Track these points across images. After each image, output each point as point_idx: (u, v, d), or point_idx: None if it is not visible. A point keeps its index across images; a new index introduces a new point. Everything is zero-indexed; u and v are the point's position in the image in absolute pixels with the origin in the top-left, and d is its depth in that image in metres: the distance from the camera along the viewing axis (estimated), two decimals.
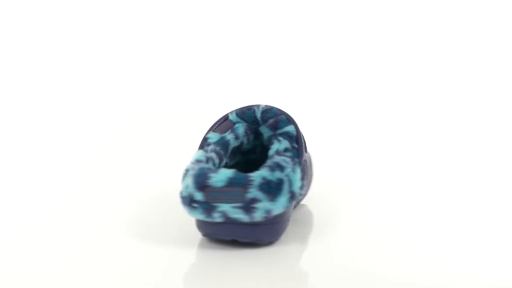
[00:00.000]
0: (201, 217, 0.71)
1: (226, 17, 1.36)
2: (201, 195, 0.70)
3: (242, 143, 0.80)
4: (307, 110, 1.26)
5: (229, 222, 0.70)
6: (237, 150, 0.81)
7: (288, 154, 0.75)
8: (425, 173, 1.01)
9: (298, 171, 0.73)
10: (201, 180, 0.70)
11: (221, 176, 0.69)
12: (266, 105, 0.80)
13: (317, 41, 1.37)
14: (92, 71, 1.34)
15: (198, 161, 0.73)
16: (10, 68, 1.33)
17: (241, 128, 0.79)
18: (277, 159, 0.73)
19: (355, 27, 1.37)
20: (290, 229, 0.77)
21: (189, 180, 0.70)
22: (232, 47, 1.36)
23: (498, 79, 1.34)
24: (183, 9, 1.35)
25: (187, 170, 0.72)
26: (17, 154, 1.12)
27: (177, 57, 1.35)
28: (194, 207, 0.70)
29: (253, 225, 0.71)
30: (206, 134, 0.79)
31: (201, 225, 0.73)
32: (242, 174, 0.70)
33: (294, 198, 0.73)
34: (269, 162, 0.73)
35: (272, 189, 0.70)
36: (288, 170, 0.72)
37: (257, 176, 0.70)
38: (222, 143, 0.78)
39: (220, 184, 0.69)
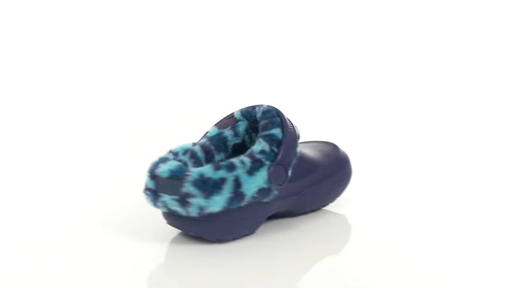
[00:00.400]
0: (150, 204, 0.74)
1: (229, 17, 1.36)
2: (152, 183, 0.73)
3: (244, 141, 0.81)
4: (306, 109, 1.26)
5: (171, 213, 0.73)
6: (240, 148, 0.81)
7: (261, 156, 0.75)
8: (424, 173, 1.02)
9: (260, 174, 0.74)
10: (152, 169, 0.73)
11: (166, 167, 0.72)
12: (268, 106, 0.80)
13: (325, 41, 1.37)
14: (96, 71, 1.34)
15: (172, 151, 0.76)
16: (10, 69, 1.33)
17: (242, 126, 0.80)
18: (235, 159, 0.74)
19: (358, 28, 1.37)
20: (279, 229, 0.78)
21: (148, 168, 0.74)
22: (236, 47, 1.36)
23: (498, 79, 1.34)
24: (188, 11, 1.35)
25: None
26: (17, 153, 1.12)
27: (179, 57, 1.35)
28: (147, 194, 0.74)
29: (194, 219, 0.72)
30: (210, 128, 0.81)
31: (163, 214, 0.76)
32: (183, 168, 0.72)
33: (242, 199, 0.73)
34: (225, 161, 0.74)
35: (208, 186, 0.71)
36: (239, 171, 0.73)
37: (195, 172, 0.71)
38: (218, 139, 0.79)
39: (164, 175, 0.72)
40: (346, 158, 0.86)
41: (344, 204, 0.87)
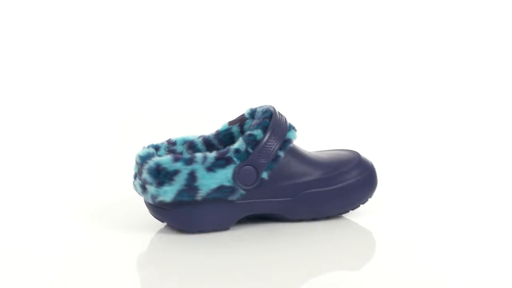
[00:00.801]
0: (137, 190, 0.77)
1: (230, 18, 1.36)
2: (136, 167, 0.76)
3: None
4: (306, 109, 1.26)
5: (143, 198, 0.77)
6: None
7: (233, 154, 0.75)
8: (424, 173, 1.02)
9: (223, 172, 0.74)
10: (139, 157, 0.76)
11: (140, 152, 0.75)
12: (269, 107, 0.79)
13: (319, 42, 1.37)
14: (97, 72, 1.34)
15: (170, 140, 0.79)
16: (11, 69, 1.32)
17: (248, 124, 0.81)
18: (200, 153, 0.75)
19: (359, 28, 1.37)
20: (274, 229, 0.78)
21: None
22: (237, 48, 1.36)
23: (498, 79, 1.34)
24: (191, 12, 1.35)
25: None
26: (17, 153, 1.12)
27: (180, 57, 1.35)
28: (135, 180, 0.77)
29: (154, 206, 0.76)
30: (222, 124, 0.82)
31: None
32: (149, 155, 0.75)
33: (195, 193, 0.74)
34: (191, 154, 0.76)
35: (160, 176, 0.73)
36: (197, 165, 0.74)
37: (153, 160, 0.74)
38: (225, 134, 0.81)
39: (137, 160, 0.75)
40: (365, 167, 0.81)
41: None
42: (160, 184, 0.73)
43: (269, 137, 0.76)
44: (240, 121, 0.81)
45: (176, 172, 0.73)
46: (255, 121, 0.78)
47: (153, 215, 0.77)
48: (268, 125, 0.76)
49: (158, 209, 0.75)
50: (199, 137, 0.80)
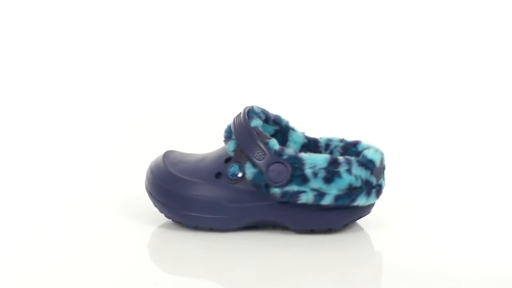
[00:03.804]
0: (374, 200, 0.76)
1: (230, 18, 1.36)
2: (374, 178, 0.75)
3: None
4: (306, 109, 1.26)
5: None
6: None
7: None
8: (424, 173, 1.02)
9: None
10: (372, 165, 0.75)
11: (374, 155, 0.75)
12: (247, 107, 0.79)
13: (318, 42, 1.37)
14: (98, 73, 1.34)
15: (333, 159, 0.75)
16: (11, 69, 1.32)
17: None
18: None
19: (358, 28, 1.37)
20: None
21: (358, 170, 0.74)
22: (236, 48, 1.36)
23: (498, 79, 1.34)
24: (190, 12, 1.35)
25: (336, 169, 0.75)
26: (18, 153, 1.11)
27: (180, 58, 1.35)
28: (371, 193, 0.75)
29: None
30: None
31: (351, 212, 0.76)
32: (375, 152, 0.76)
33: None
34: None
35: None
36: None
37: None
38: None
39: (378, 163, 0.76)
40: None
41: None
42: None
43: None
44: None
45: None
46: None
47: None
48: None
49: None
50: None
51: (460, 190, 0.94)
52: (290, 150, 0.74)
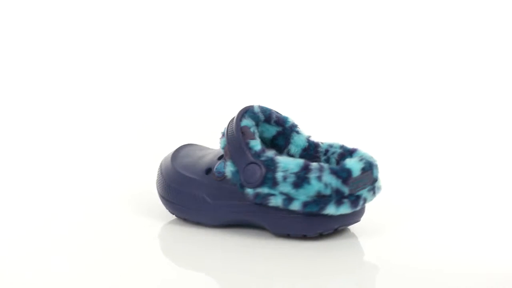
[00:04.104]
0: (348, 210, 0.73)
1: (229, 18, 1.36)
2: (347, 188, 0.73)
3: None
4: (306, 109, 1.25)
5: (363, 206, 0.75)
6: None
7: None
8: (424, 173, 1.01)
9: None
10: (345, 174, 0.73)
11: (354, 165, 0.73)
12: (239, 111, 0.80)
13: (318, 42, 1.37)
14: (96, 73, 1.34)
15: (306, 164, 0.75)
16: (11, 70, 1.33)
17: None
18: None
19: (356, 27, 1.37)
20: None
21: (328, 178, 0.73)
22: (234, 48, 1.36)
23: (498, 79, 1.34)
24: (188, 12, 1.35)
25: (307, 176, 0.74)
26: (19, 153, 1.12)
27: (179, 58, 1.35)
28: (343, 203, 0.73)
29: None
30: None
31: (325, 221, 0.74)
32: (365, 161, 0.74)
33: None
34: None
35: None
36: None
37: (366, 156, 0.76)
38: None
39: (357, 172, 0.74)
40: None
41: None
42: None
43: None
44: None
45: None
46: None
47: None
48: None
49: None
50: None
51: (455, 195, 0.94)
52: (270, 153, 0.75)
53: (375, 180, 0.74)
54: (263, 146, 0.76)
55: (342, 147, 0.79)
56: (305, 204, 0.72)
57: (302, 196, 0.72)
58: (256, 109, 0.78)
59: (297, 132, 0.80)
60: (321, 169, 0.72)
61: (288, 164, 0.73)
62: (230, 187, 0.75)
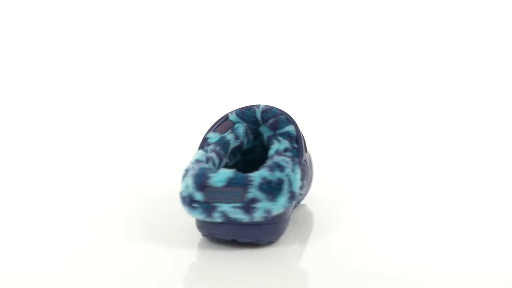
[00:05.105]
0: (201, 217, 0.71)
1: (227, 17, 1.36)
2: (200, 195, 0.70)
3: (242, 143, 0.80)
4: (307, 109, 1.26)
5: (229, 222, 0.70)
6: (237, 150, 0.80)
7: (288, 154, 0.74)
8: (424, 173, 1.01)
9: (298, 171, 0.72)
10: (200, 180, 0.70)
11: (221, 176, 0.69)
12: (266, 105, 0.79)
13: (317, 41, 1.37)
14: (94, 72, 1.34)
15: (198, 161, 0.73)
16: (11, 70, 1.33)
17: (241, 128, 0.79)
18: (277, 159, 0.72)
19: (355, 27, 1.37)
20: (290, 229, 0.76)
21: (189, 180, 0.70)
22: (232, 47, 1.36)
23: (498, 79, 1.34)
24: (186, 11, 1.35)
25: (187, 170, 0.72)
26: (19, 154, 1.12)
27: (177, 57, 1.35)
28: (194, 207, 0.70)
29: (253, 225, 0.70)
30: (206, 134, 0.79)
31: (201, 225, 0.72)
32: (242, 174, 0.70)
33: (294, 198, 0.72)
34: (269, 162, 0.72)
35: (272, 189, 0.70)
36: (288, 170, 0.71)
37: (257, 176, 0.69)
38: (222, 143, 0.77)
39: (220, 184, 0.69)
40: None
41: (339, 201, 0.86)
42: (273, 197, 0.70)
43: (299, 131, 0.78)
44: (230, 127, 0.79)
45: (281, 181, 0.70)
46: (271, 120, 0.79)
47: (235, 237, 0.72)
48: (287, 120, 0.79)
49: (253, 227, 0.71)
50: (206, 151, 0.76)
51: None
52: (210, 146, 0.76)
53: (251, 200, 0.71)
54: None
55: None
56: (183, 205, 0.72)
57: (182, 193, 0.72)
58: (257, 109, 0.80)
59: (278, 140, 0.79)
60: (187, 169, 0.72)
61: (194, 156, 0.74)
62: None
